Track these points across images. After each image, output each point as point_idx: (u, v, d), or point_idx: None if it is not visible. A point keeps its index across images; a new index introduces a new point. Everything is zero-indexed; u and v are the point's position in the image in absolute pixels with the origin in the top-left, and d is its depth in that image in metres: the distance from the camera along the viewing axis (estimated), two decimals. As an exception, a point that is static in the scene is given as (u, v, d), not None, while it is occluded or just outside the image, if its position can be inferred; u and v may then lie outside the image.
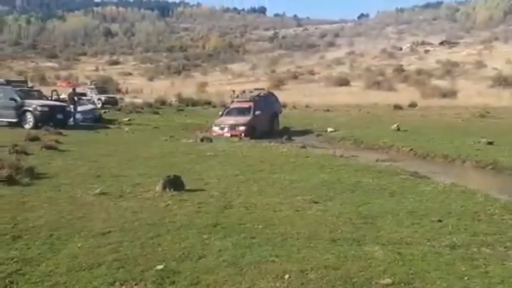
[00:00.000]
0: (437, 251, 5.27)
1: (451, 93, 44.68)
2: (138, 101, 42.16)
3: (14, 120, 20.88)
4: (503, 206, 7.52)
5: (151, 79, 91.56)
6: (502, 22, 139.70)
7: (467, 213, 7.00)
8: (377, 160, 14.24)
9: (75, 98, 25.18)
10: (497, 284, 4.42)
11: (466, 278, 4.51)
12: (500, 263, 4.94)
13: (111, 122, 25.53)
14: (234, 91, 26.73)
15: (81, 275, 4.47)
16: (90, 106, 28.50)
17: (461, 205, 7.53)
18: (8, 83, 22.80)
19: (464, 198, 8.11)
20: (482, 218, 6.75)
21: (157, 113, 33.62)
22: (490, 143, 16.37)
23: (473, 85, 53.38)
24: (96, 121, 25.11)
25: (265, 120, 22.90)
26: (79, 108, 25.59)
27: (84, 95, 33.96)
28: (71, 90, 27.01)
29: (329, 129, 23.07)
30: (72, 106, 23.97)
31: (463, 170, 13.50)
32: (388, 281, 4.38)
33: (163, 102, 41.19)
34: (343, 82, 64.89)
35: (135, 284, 4.27)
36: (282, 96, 31.20)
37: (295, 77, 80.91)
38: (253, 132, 20.90)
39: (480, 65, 76.18)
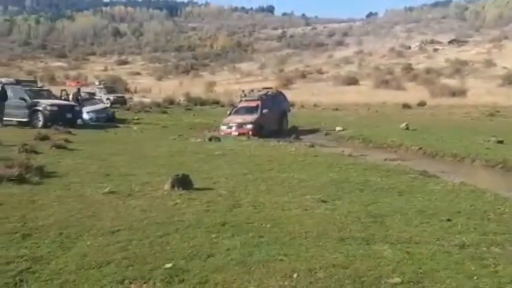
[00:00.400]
0: (447, 250, 5.24)
1: (460, 92, 44.49)
2: (147, 100, 42.32)
3: (24, 119, 21.02)
4: (513, 205, 7.47)
5: (159, 79, 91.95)
6: (511, 21, 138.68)
7: (476, 213, 6.95)
8: (386, 159, 14.20)
9: (79, 98, 25.32)
10: (507, 284, 4.39)
11: (475, 277, 4.48)
12: (510, 262, 4.90)
13: (122, 121, 25.61)
14: (243, 91, 26.78)
15: (91, 273, 4.49)
16: (102, 105, 28.56)
17: (471, 204, 7.49)
18: (18, 82, 22.98)
19: (473, 198, 8.07)
20: (492, 217, 6.71)
21: (165, 112, 33.73)
22: (500, 142, 16.27)
23: (482, 84, 53.13)
24: (109, 120, 25.13)
25: (274, 118, 22.89)
26: (92, 108, 25.75)
27: (94, 94, 34.15)
28: (75, 89, 27.16)
29: (337, 128, 22.98)
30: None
31: (472, 169, 13.40)
32: (397, 280, 4.37)
33: (171, 102, 41.35)
34: (352, 81, 64.88)
35: (144, 282, 4.28)
36: (290, 95, 31.17)
37: (303, 76, 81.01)
38: (260, 130, 20.88)
39: (489, 63, 75.88)
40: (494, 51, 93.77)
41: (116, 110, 30.94)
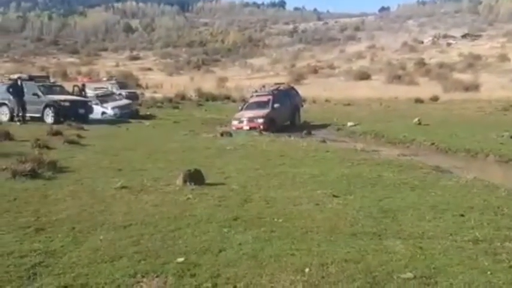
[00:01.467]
0: (460, 245, 5.20)
1: (473, 87, 43.92)
2: (158, 95, 42.38)
3: (37, 115, 21.17)
4: (527, 201, 7.39)
5: (171, 74, 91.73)
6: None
7: (489, 208, 6.89)
8: (398, 154, 14.11)
9: (84, 93, 25.45)
10: (521, 279, 4.34)
11: (489, 272, 4.45)
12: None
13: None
14: (255, 90, 26.81)
15: (103, 267, 4.52)
16: (126, 101, 28.40)
17: (484, 199, 7.43)
18: (31, 78, 23.14)
19: (486, 193, 8.00)
20: (506, 213, 6.65)
21: (177, 107, 33.79)
22: (514, 137, 16.12)
23: (496, 78, 52.49)
24: (132, 116, 25.03)
25: (286, 113, 22.88)
26: (117, 103, 25.79)
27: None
28: (80, 85, 27.26)
29: (349, 124, 22.91)
30: None
31: (485, 164, 13.29)
32: (409, 275, 4.35)
33: (183, 97, 41.35)
34: (364, 76, 64.36)
35: (156, 276, 4.30)
36: (302, 90, 31.01)
37: (315, 71, 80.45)
38: (272, 124, 20.86)
39: (503, 58, 74.81)
40: (508, 45, 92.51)
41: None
